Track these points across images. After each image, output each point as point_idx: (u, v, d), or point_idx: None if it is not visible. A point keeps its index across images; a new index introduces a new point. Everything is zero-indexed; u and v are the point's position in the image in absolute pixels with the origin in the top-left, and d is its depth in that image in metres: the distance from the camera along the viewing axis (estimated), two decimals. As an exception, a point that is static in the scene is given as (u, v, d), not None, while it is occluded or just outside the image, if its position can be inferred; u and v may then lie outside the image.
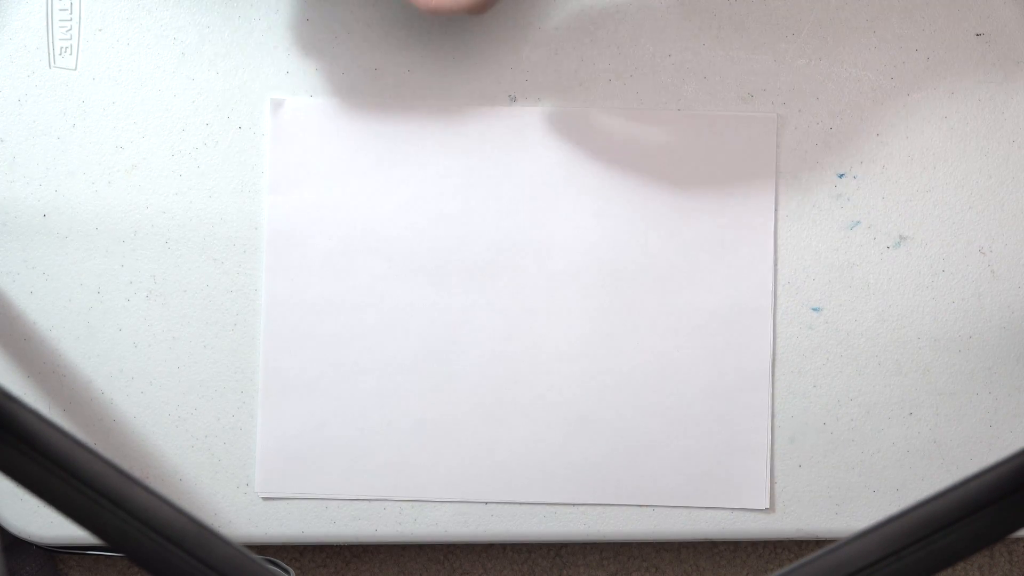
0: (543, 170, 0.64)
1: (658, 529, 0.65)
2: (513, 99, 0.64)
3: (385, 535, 0.65)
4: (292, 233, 0.64)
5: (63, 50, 0.64)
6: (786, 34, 0.65)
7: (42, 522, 0.65)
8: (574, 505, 0.65)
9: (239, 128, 0.64)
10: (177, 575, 0.42)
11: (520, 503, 0.65)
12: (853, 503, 0.65)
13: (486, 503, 0.65)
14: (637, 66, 0.65)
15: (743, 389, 0.65)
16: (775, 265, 0.65)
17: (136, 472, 0.63)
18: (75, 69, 0.64)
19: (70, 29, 0.64)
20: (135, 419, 0.65)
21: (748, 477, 0.65)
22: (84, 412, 0.65)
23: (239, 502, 0.65)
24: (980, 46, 0.65)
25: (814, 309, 0.65)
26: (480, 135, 0.64)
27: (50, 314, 0.64)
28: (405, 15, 0.64)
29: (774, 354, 0.65)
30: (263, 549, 0.68)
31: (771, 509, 0.65)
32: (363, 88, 0.64)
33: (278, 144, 0.64)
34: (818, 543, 0.70)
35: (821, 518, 0.65)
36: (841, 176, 0.65)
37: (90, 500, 0.42)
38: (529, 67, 0.64)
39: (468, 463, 0.65)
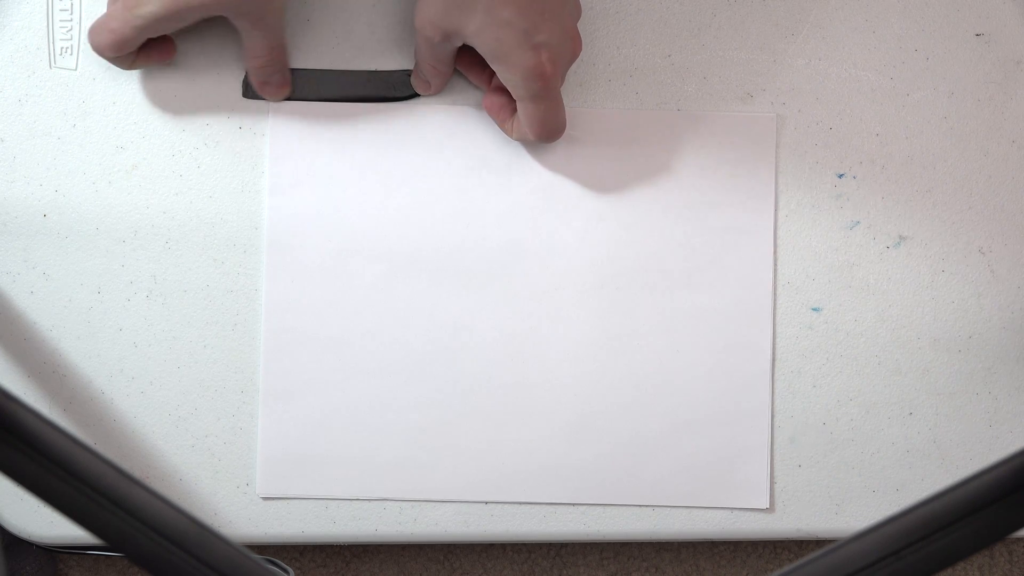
0: (543, 171, 0.64)
1: (658, 529, 0.65)
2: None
3: (385, 535, 0.65)
4: (292, 233, 0.64)
5: (63, 50, 0.64)
6: (786, 34, 0.65)
7: (42, 522, 0.65)
8: (574, 505, 0.65)
9: (239, 128, 0.64)
10: (177, 575, 0.42)
11: (520, 503, 0.65)
12: (853, 503, 0.65)
13: (486, 503, 0.65)
14: (637, 66, 0.65)
15: (743, 389, 0.65)
16: (775, 265, 0.65)
17: (136, 472, 0.63)
18: (75, 69, 0.64)
19: (70, 29, 0.64)
20: (135, 419, 0.65)
21: (748, 477, 0.65)
22: (84, 412, 0.65)
23: (239, 502, 0.65)
24: (980, 46, 0.65)
25: (814, 309, 0.65)
26: (480, 136, 0.64)
27: (50, 314, 0.64)
28: (406, 17, 0.64)
29: (774, 354, 0.65)
30: (263, 549, 0.68)
31: (771, 509, 0.65)
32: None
33: (278, 144, 0.64)
34: (818, 543, 0.70)
35: (821, 518, 0.65)
36: (841, 176, 0.65)
37: (90, 500, 0.42)
38: (529, 67, 0.64)
39: (468, 463, 0.65)
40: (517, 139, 0.63)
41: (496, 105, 0.63)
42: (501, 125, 0.63)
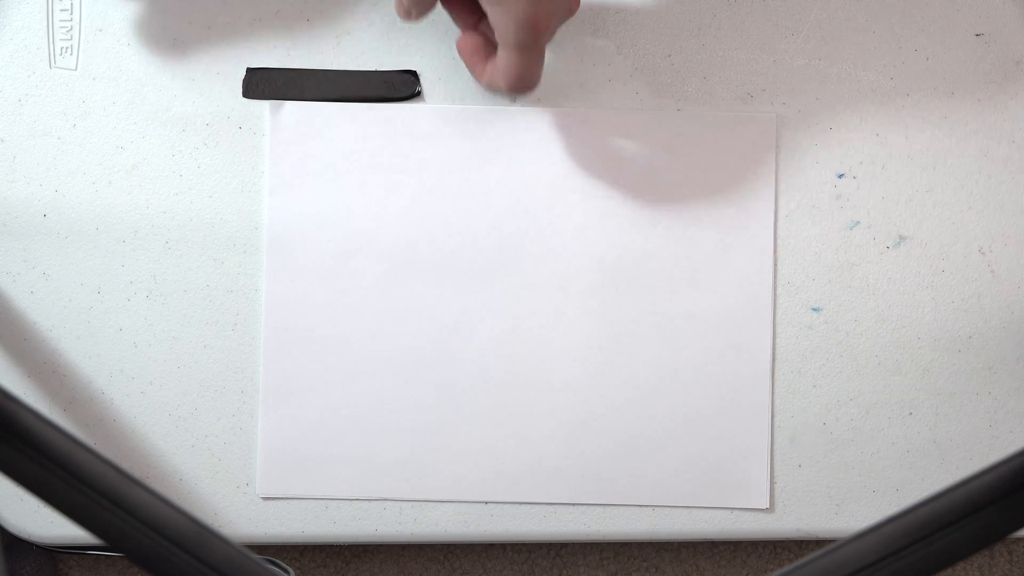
0: (543, 171, 0.64)
1: (658, 529, 0.65)
2: (513, 100, 0.64)
3: (385, 535, 0.65)
4: (292, 234, 0.64)
5: (63, 50, 0.64)
6: (786, 34, 0.65)
7: (42, 522, 0.65)
8: (574, 505, 0.65)
9: (239, 128, 0.64)
10: (177, 575, 0.42)
11: (520, 503, 0.65)
12: (853, 503, 0.65)
13: (486, 503, 0.65)
14: (637, 66, 0.65)
15: (743, 389, 0.65)
16: (775, 265, 0.65)
17: (136, 472, 0.63)
18: (75, 69, 0.64)
19: (70, 29, 0.64)
20: (135, 419, 0.65)
21: (748, 477, 0.65)
22: (84, 412, 0.65)
23: (239, 502, 0.65)
24: (980, 46, 0.65)
25: (814, 309, 0.65)
26: (481, 136, 0.64)
27: (50, 314, 0.64)
28: (405, 15, 0.64)
29: (774, 354, 0.65)
30: (263, 549, 0.68)
31: (771, 509, 0.65)
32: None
33: (278, 144, 0.64)
34: (818, 543, 0.70)
35: (821, 518, 0.65)
36: (841, 176, 0.65)
37: (90, 500, 0.42)
38: (529, 67, 0.64)
39: (468, 463, 0.65)
40: (485, 85, 0.62)
41: (471, 47, 0.62)
42: (472, 69, 0.62)
